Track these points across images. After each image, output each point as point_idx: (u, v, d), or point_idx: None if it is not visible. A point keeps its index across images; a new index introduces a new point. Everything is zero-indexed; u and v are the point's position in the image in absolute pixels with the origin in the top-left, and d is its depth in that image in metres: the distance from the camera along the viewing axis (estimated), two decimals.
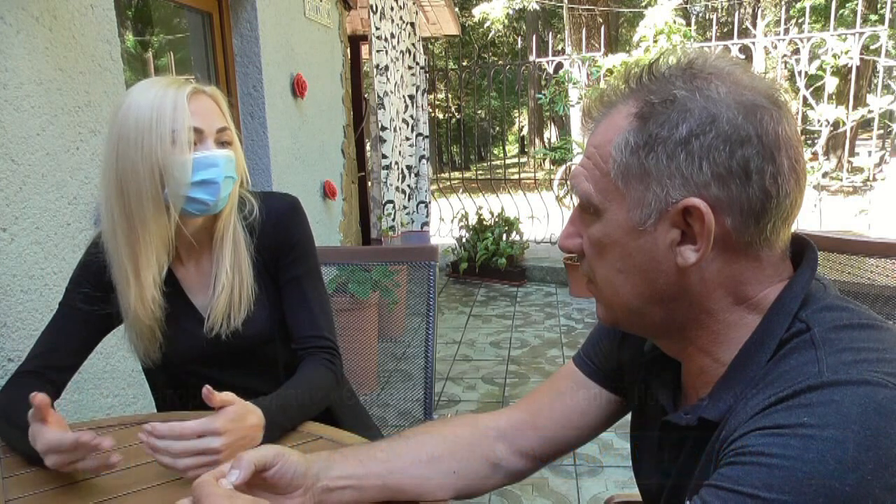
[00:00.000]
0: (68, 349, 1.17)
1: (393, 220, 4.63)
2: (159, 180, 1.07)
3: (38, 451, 0.92)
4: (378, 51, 4.28)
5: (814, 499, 0.48)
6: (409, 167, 5.12)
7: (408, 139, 5.10)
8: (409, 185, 5.12)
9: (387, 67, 4.41)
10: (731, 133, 0.57)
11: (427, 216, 5.43)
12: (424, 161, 5.38)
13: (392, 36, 4.58)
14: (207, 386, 0.90)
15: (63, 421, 0.95)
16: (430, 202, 5.56)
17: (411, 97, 5.18)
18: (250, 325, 1.19)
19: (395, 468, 0.82)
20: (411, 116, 5.17)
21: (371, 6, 4.16)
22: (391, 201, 4.62)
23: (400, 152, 4.85)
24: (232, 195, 1.18)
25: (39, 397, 0.90)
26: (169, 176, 1.07)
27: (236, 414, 0.93)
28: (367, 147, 5.31)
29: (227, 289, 1.17)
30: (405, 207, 5.06)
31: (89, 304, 1.16)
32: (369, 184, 5.16)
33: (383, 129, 4.44)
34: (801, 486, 0.49)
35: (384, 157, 4.50)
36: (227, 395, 0.94)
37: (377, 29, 4.24)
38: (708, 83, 0.59)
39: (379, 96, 4.35)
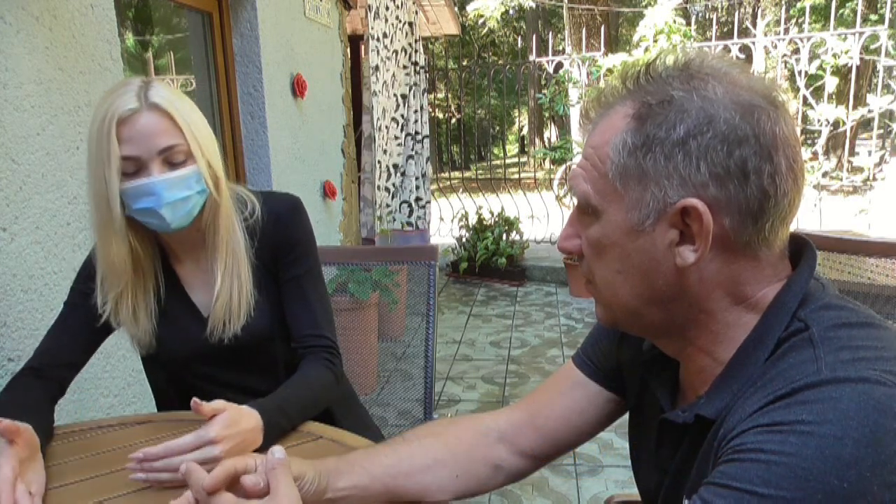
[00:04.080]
0: (73, 347, 1.17)
1: (378, 219, 4.61)
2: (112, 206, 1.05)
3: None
4: (371, 50, 4.28)
5: (812, 495, 0.48)
6: (395, 166, 5.08)
7: (396, 138, 5.07)
8: (393, 184, 5.08)
9: (377, 67, 4.41)
10: (729, 133, 0.57)
11: (409, 216, 5.35)
12: (412, 161, 5.30)
13: (385, 35, 4.57)
14: (195, 399, 0.90)
15: (35, 441, 0.94)
16: (429, 201, 5.53)
17: (404, 96, 5.15)
18: (250, 329, 1.18)
19: (400, 473, 0.83)
20: (402, 115, 5.14)
21: (367, 6, 4.16)
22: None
23: (385, 150, 4.81)
24: (223, 201, 1.14)
25: (2, 426, 0.88)
26: (112, 203, 1.04)
27: (229, 420, 0.93)
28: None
29: (225, 297, 1.15)
30: (388, 206, 5.02)
31: (93, 302, 1.15)
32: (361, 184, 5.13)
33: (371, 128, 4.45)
34: (800, 483, 0.49)
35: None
36: (217, 403, 0.93)
37: (372, 29, 4.25)
38: (705, 84, 0.59)
39: (371, 96, 4.36)
